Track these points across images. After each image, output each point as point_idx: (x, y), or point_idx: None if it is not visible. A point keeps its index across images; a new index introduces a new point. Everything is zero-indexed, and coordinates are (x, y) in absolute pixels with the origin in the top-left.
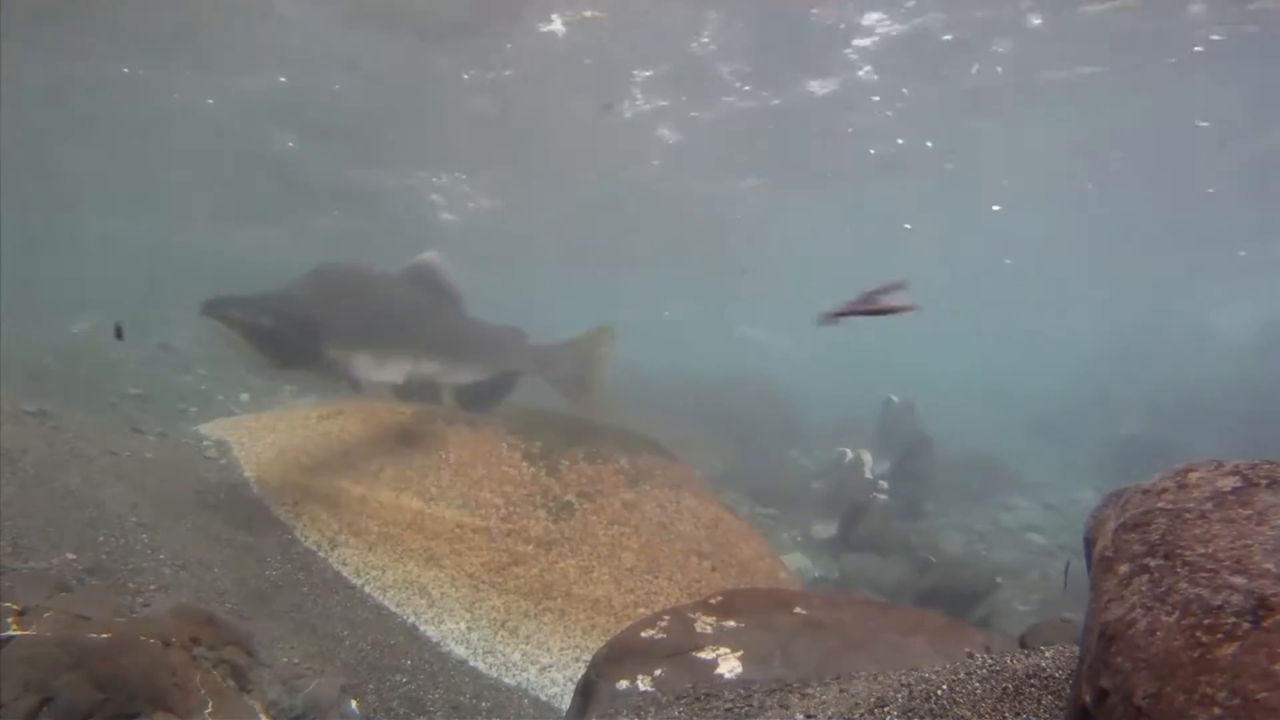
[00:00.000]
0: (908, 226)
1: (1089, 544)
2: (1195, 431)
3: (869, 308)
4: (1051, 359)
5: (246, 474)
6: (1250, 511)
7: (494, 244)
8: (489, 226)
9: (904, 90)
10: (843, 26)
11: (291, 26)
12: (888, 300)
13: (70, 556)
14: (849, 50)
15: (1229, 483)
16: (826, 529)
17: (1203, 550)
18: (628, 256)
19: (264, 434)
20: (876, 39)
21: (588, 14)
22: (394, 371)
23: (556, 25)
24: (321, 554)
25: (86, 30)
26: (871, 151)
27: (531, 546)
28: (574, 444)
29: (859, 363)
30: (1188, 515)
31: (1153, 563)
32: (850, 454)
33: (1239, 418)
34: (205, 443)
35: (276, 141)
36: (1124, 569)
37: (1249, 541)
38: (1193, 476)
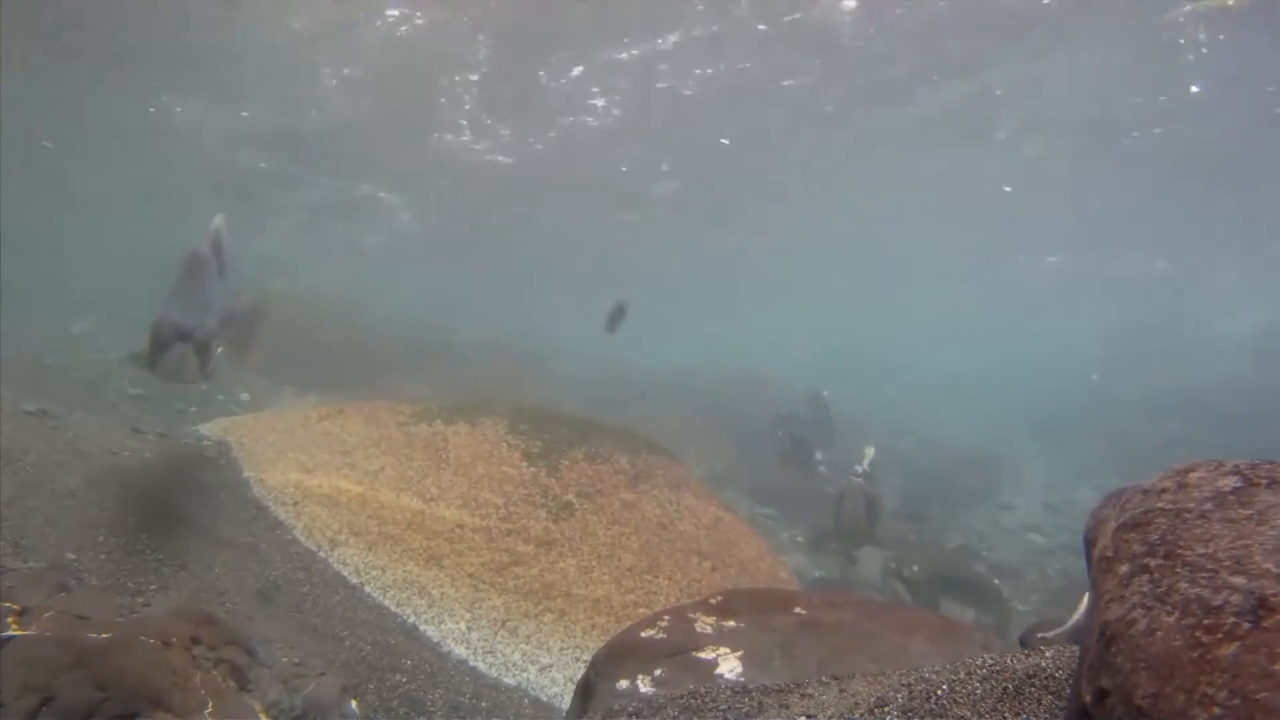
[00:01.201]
0: (1008, 189)
1: (1089, 544)
2: (1195, 431)
3: None
4: (1052, 359)
5: (246, 474)
6: (1250, 511)
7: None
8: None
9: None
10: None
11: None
12: None
13: (70, 556)
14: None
15: (1229, 483)
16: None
17: (1203, 550)
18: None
19: (264, 434)
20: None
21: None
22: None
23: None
24: (321, 554)
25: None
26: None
27: (531, 546)
28: (574, 444)
29: (858, 363)
30: (1188, 515)
31: (1153, 563)
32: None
33: (1238, 418)
34: (205, 443)
35: (243, 160)
36: (1124, 569)
37: (1249, 541)
38: (1193, 476)
